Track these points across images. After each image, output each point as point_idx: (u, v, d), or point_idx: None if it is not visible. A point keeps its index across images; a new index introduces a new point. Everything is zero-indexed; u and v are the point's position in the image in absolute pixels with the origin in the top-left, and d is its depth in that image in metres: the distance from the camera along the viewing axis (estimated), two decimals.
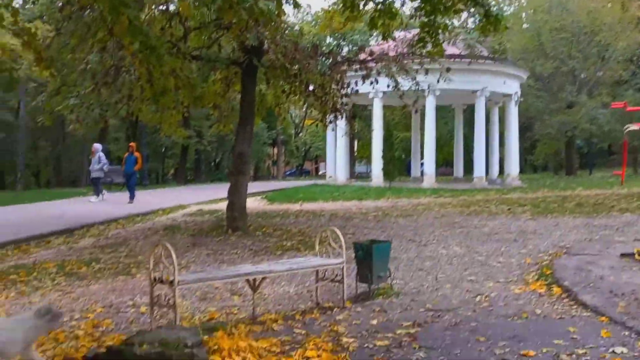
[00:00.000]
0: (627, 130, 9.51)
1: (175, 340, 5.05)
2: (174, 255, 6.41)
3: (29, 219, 17.99)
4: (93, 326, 7.37)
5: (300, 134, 71.41)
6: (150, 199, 26.24)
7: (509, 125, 34.04)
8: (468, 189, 29.18)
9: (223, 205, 22.72)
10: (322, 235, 8.30)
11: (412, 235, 13.68)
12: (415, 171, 38.73)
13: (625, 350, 5.01)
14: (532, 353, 5.03)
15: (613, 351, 4.99)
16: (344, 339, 5.73)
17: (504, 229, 14.21)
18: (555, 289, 7.47)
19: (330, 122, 17.51)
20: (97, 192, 24.10)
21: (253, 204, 22.73)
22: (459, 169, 38.21)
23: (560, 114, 39.02)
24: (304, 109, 61.28)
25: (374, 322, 6.43)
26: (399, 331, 5.95)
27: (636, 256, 9.12)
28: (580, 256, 9.55)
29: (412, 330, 5.94)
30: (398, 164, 35.88)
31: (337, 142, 35.03)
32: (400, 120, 48.54)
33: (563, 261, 9.18)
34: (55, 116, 15.05)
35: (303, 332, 6.14)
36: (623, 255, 9.37)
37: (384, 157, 30.37)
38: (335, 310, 7.28)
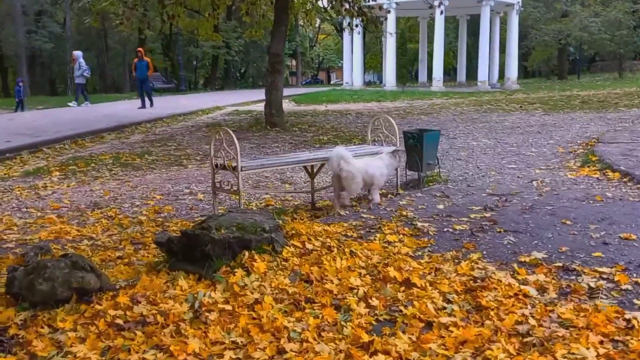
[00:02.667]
0: None
1: (253, 225, 4.12)
2: (236, 142, 5.44)
3: (82, 118, 16.98)
4: (155, 212, 6.52)
5: (315, 47, 69.30)
6: (188, 102, 25.11)
7: (510, 33, 32.13)
8: (474, 91, 27.79)
9: (256, 107, 21.68)
10: (374, 124, 7.26)
11: (439, 129, 12.60)
12: (422, 77, 37.02)
13: None
14: (633, 236, 4.07)
15: None
16: (419, 224, 4.78)
17: (524, 123, 13.09)
18: (612, 174, 6.46)
19: (357, 26, 16.14)
20: (85, 97, 22.48)
21: (283, 105, 21.61)
22: (462, 74, 36.49)
23: (555, 23, 36.85)
24: (317, 25, 59.06)
25: (441, 206, 5.47)
26: (472, 215, 4.99)
27: None
28: (616, 144, 8.49)
29: (487, 215, 4.97)
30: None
31: (353, 51, 33.41)
32: (405, 32, 46.26)
33: (603, 148, 8.12)
34: (100, 18, 13.73)
35: (372, 216, 5.19)
36: None
37: (398, 62, 28.84)
38: (389, 196, 6.34)
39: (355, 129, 13.65)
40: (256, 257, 3.88)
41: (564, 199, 5.40)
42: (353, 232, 4.62)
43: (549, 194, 5.65)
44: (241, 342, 2.94)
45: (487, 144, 10.34)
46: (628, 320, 2.79)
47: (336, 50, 71.03)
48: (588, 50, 39.60)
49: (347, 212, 5.50)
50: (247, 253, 3.90)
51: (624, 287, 3.21)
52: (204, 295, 3.45)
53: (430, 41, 33.72)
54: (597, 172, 6.70)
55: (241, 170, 5.48)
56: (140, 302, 3.46)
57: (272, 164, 5.96)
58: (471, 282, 3.42)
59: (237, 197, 5.63)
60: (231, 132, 5.60)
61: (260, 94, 30.22)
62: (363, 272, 3.68)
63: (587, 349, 2.52)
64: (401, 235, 4.42)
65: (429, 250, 4.07)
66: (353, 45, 33.17)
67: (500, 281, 3.37)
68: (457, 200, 5.74)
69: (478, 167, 8.14)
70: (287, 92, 33.00)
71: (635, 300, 3.03)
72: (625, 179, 6.10)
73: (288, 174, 8.47)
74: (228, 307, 3.30)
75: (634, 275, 3.36)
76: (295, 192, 7.13)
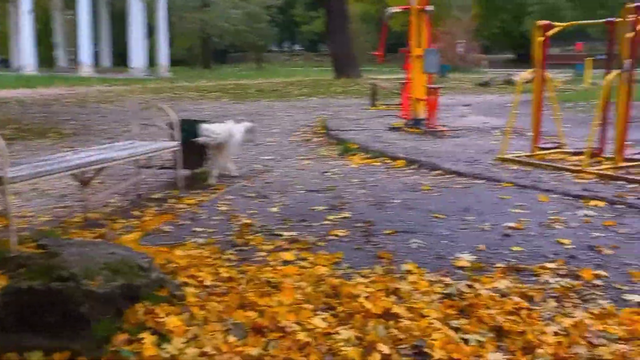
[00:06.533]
0: (389, 12, 8.97)
1: (124, 263, 2.86)
2: (2, 143, 3.83)
3: None
4: None
5: None
6: None
7: (159, 20, 31.63)
8: (130, 78, 26.45)
9: None
10: (142, 115, 6.07)
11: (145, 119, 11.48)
12: (61, 61, 33.69)
13: (593, 213, 4.40)
14: (518, 225, 4.10)
15: (585, 215, 4.35)
16: (284, 233, 4.05)
17: (227, 112, 12.77)
18: (393, 161, 6.59)
19: None
20: None
21: None
22: (107, 59, 34.54)
23: (197, 12, 37.62)
24: None
25: (275, 209, 4.78)
26: (330, 217, 4.46)
27: (405, 128, 8.77)
28: (352, 131, 8.84)
29: (347, 215, 4.50)
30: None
31: None
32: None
33: (348, 136, 8.36)
34: None
35: (209, 229, 4.23)
36: (391, 128, 8.96)
37: (40, 43, 25.64)
38: (171, 200, 5.33)
39: (38, 121, 11.48)
40: (157, 310, 2.70)
41: (393, 190, 5.26)
42: (220, 254, 3.64)
43: (372, 187, 5.45)
44: None
45: None
46: None
47: None
48: (231, 41, 41.60)
49: (166, 225, 4.39)
50: (141, 307, 2.68)
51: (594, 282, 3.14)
52: None
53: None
54: (374, 160, 6.78)
55: (9, 183, 3.87)
56: None
57: (46, 172, 4.36)
58: (448, 300, 2.94)
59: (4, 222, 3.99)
60: None
61: None
62: (310, 306, 2.86)
63: None
64: (294, 251, 3.65)
65: (347, 266, 3.42)
66: None
67: (480, 294, 2.97)
68: (280, 200, 5.11)
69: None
70: None
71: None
72: (413, 166, 6.28)
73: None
74: None
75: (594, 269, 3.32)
76: (65, 206, 5.42)
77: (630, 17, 5.46)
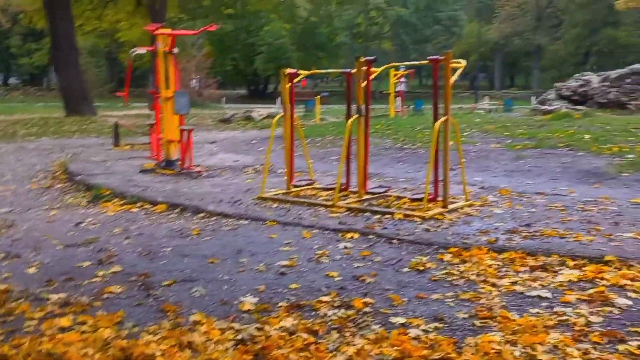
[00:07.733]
0: (134, 53, 8.61)
1: None
2: None
3: None
4: None
5: None
6: None
7: None
8: None
9: None
10: None
11: None
12: None
13: (351, 244, 4.86)
14: (291, 262, 4.38)
15: (345, 247, 4.79)
16: (53, 296, 3.78)
17: None
18: (156, 206, 6.49)
19: None
20: None
21: None
22: None
23: None
24: None
25: (32, 270, 4.42)
26: (101, 273, 4.26)
27: (157, 170, 8.69)
28: (100, 175, 8.49)
29: (119, 269, 4.34)
30: None
31: None
32: None
33: (99, 180, 8.00)
34: None
35: None
36: (143, 170, 8.79)
37: None
38: None
39: None
40: None
41: (162, 237, 5.20)
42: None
43: (138, 235, 5.31)
44: None
45: None
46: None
47: None
48: None
49: None
50: None
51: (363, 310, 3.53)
52: None
53: None
54: (132, 206, 6.62)
55: None
56: None
57: None
58: (242, 346, 3.06)
59: None
60: None
61: None
62: None
63: None
64: (70, 316, 3.42)
65: (132, 325, 3.32)
66: None
67: (271, 335, 3.14)
68: (36, 258, 4.72)
69: None
70: None
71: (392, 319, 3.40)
72: (176, 210, 6.28)
73: None
74: None
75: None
76: None
77: (363, 69, 6.24)
